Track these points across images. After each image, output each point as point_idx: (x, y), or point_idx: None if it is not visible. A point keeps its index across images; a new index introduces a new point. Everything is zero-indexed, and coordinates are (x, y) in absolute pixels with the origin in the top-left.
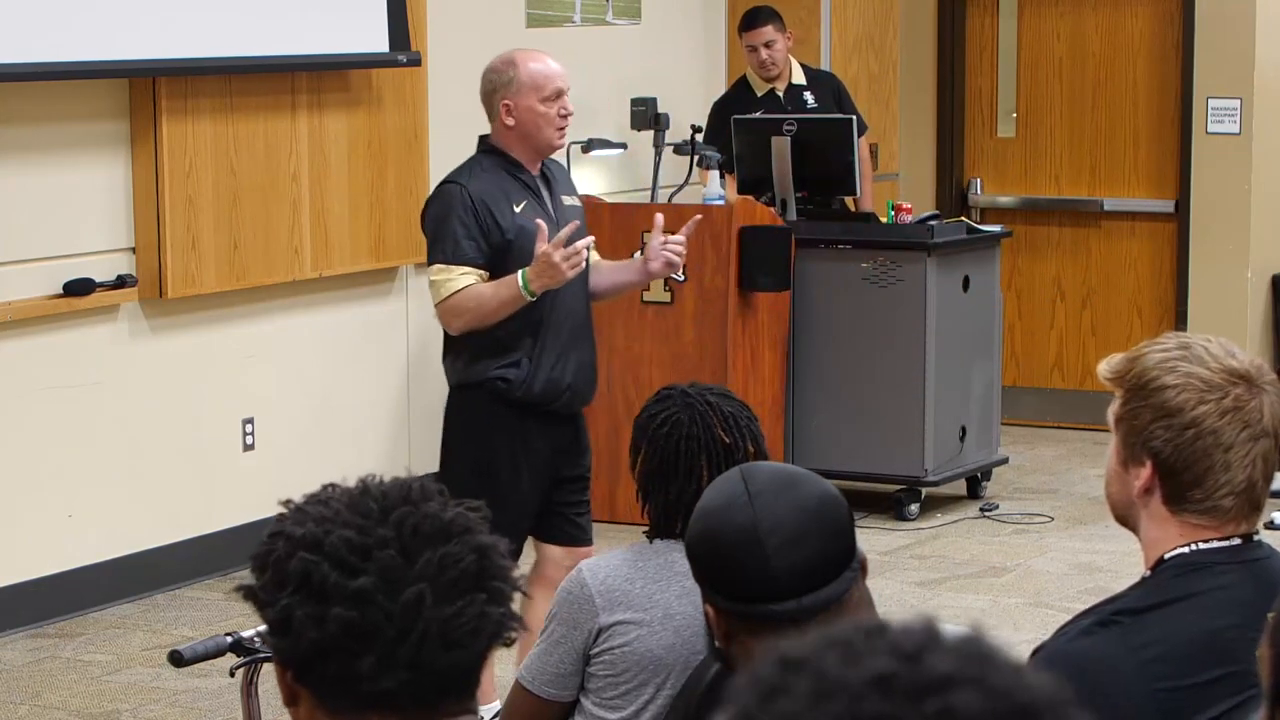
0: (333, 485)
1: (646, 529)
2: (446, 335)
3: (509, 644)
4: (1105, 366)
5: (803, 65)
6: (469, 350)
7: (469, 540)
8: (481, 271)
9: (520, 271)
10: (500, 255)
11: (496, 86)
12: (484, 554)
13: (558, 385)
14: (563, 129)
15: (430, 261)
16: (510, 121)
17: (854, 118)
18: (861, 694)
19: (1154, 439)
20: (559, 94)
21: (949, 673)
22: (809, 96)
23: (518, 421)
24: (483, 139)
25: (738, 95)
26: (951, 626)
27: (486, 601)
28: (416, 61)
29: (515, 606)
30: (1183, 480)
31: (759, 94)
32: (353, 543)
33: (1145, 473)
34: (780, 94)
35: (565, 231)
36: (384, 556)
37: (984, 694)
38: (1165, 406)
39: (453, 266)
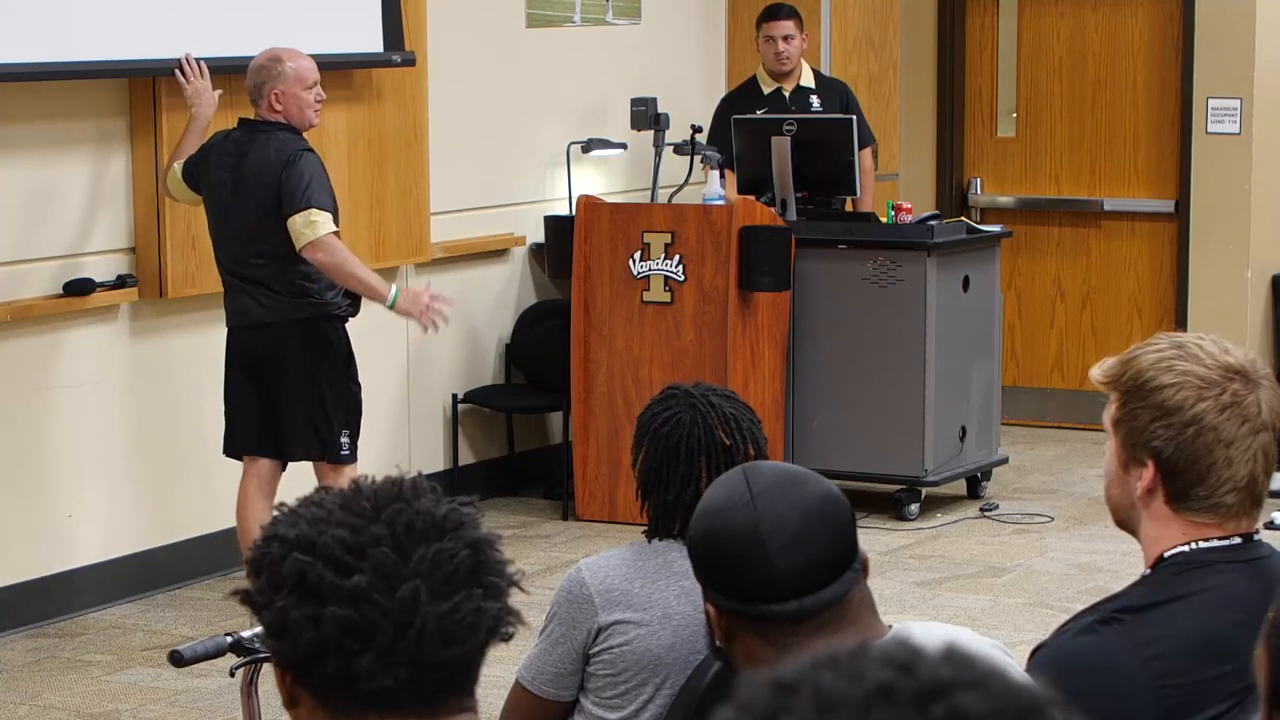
0: (325, 487)
1: (646, 528)
2: (296, 272)
3: (507, 639)
4: (1098, 371)
5: (814, 70)
6: (323, 285)
7: (463, 535)
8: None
9: (395, 287)
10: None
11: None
12: (478, 549)
13: None
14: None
15: (308, 205)
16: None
17: (854, 118)
18: (867, 704)
19: (1155, 439)
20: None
21: (949, 678)
22: (815, 100)
23: None
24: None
25: (744, 93)
26: (922, 625)
27: (483, 597)
28: (411, 62)
29: (513, 602)
30: (1186, 478)
31: (766, 91)
32: (346, 542)
33: (1148, 473)
34: (787, 94)
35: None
36: (378, 554)
37: (987, 695)
38: (1164, 405)
39: (326, 213)
